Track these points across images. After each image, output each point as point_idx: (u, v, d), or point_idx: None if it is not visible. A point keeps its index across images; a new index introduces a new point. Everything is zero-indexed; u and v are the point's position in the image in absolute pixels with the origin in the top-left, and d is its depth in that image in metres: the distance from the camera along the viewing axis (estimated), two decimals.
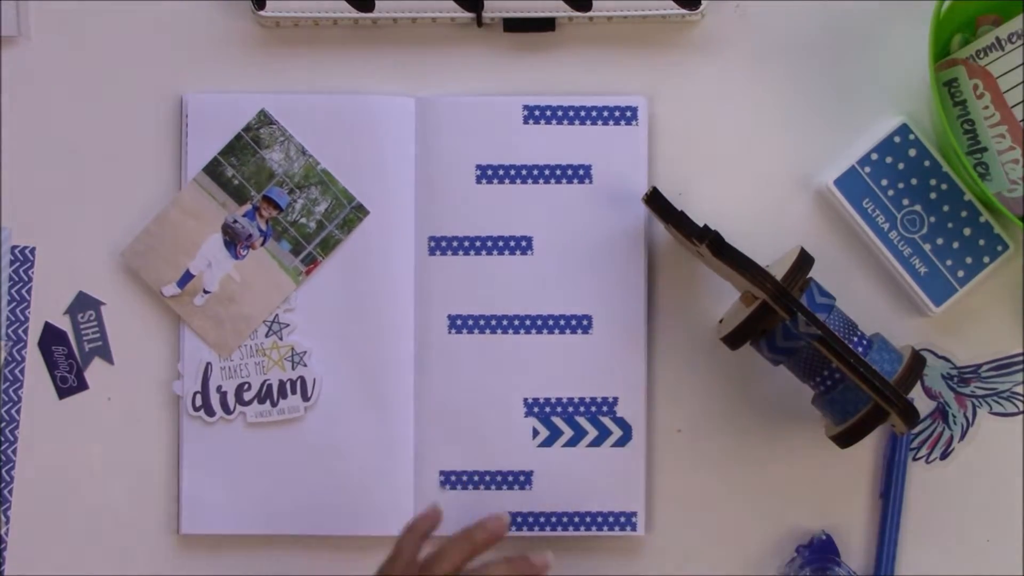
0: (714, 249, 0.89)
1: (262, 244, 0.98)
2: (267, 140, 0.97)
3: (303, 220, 0.98)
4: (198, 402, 0.98)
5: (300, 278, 0.98)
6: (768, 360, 0.93)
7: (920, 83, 0.98)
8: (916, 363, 0.92)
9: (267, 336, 0.98)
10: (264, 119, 0.97)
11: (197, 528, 0.98)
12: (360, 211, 0.98)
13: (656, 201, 0.92)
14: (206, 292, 0.98)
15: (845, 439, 0.91)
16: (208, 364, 0.98)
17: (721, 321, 0.97)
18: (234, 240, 0.98)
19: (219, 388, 0.98)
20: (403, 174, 0.98)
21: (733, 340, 0.91)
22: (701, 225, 0.90)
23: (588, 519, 0.98)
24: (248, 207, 0.98)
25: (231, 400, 0.98)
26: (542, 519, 0.98)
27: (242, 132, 0.97)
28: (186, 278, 0.98)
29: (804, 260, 0.91)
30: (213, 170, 0.97)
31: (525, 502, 0.98)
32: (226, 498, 0.98)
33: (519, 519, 0.98)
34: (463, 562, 0.90)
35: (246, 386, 0.98)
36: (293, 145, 0.97)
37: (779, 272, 0.90)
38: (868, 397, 0.89)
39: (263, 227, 0.98)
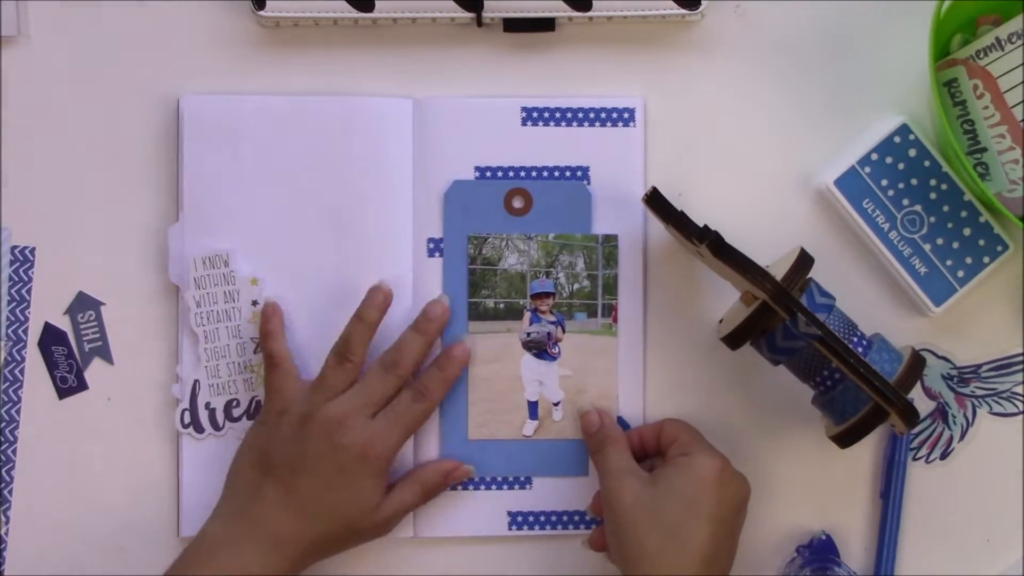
0: (714, 249, 0.89)
1: (563, 332, 0.98)
2: (495, 254, 0.97)
3: (577, 286, 0.98)
4: (187, 419, 0.98)
5: (613, 328, 0.98)
6: (768, 360, 0.93)
7: (920, 83, 0.98)
8: (916, 363, 0.92)
9: (255, 352, 0.98)
10: (477, 242, 0.97)
11: (197, 530, 0.98)
12: (610, 240, 0.98)
13: (656, 201, 0.92)
14: (556, 404, 0.98)
15: (845, 439, 0.91)
16: (196, 381, 0.98)
17: (721, 321, 0.97)
18: (541, 348, 0.97)
19: (208, 405, 0.98)
20: (402, 175, 0.98)
21: (733, 340, 0.91)
22: (701, 225, 0.90)
23: (588, 518, 0.98)
24: (528, 315, 0.98)
25: (220, 417, 0.98)
26: (542, 518, 0.98)
27: (471, 267, 0.97)
28: (532, 408, 0.98)
29: (804, 260, 0.91)
30: (476, 312, 0.97)
31: (525, 502, 0.98)
32: None
33: (519, 519, 0.98)
34: (423, 355, 0.95)
35: (235, 403, 0.98)
36: (517, 241, 0.97)
37: (779, 272, 0.90)
38: (868, 397, 0.89)
39: (552, 319, 0.98)
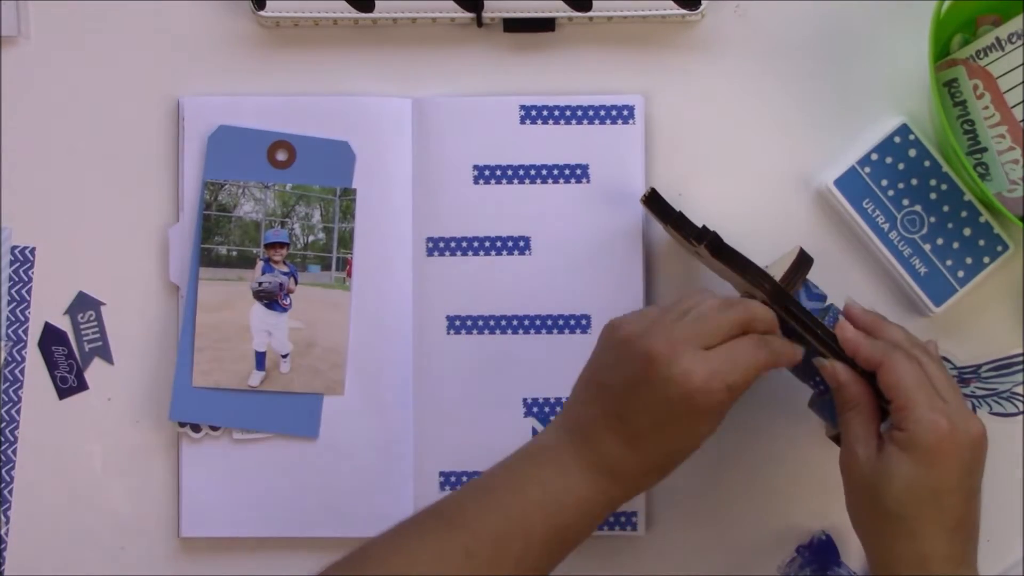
0: (712, 250, 0.89)
1: (296, 283, 0.98)
2: (230, 200, 0.97)
3: (312, 238, 0.98)
4: None
5: (347, 283, 0.98)
6: None
7: (920, 83, 0.98)
8: None
9: None
10: (213, 187, 0.97)
11: (197, 531, 0.98)
12: (348, 193, 0.97)
13: (655, 202, 0.92)
14: (284, 357, 0.97)
15: None
16: None
17: None
18: (272, 298, 0.97)
19: None
20: (400, 175, 0.98)
21: None
22: (700, 226, 0.90)
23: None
24: (260, 264, 0.97)
25: None
26: None
27: (206, 213, 0.97)
28: (260, 359, 0.97)
29: (803, 260, 0.91)
30: (208, 259, 0.97)
31: None
32: (226, 501, 0.98)
33: None
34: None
35: None
36: (253, 189, 0.97)
37: (778, 272, 0.90)
38: None
39: (285, 270, 0.97)
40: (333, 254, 0.98)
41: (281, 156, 0.98)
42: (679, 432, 0.83)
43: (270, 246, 0.98)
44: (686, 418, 0.83)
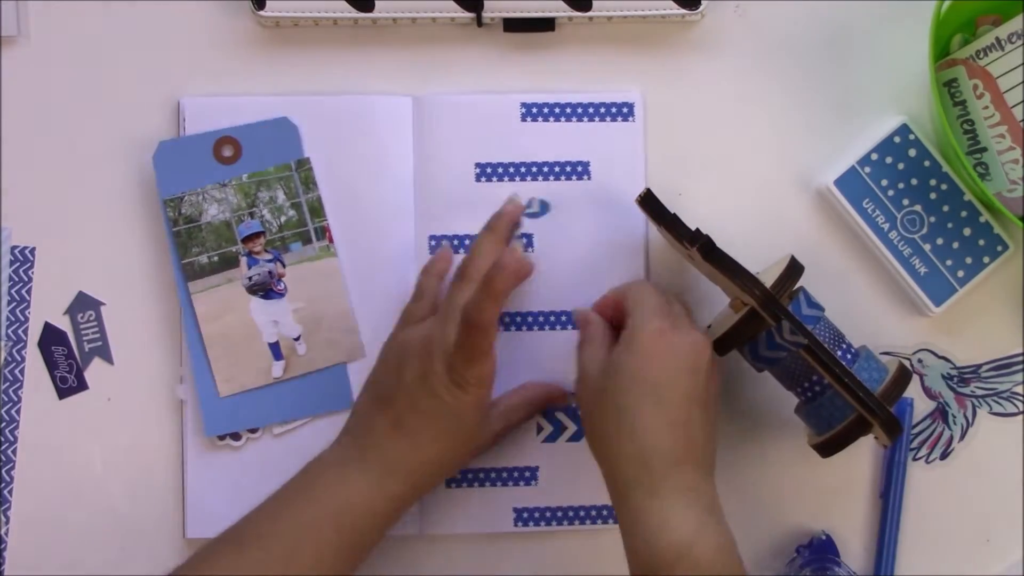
0: (704, 253, 0.88)
1: (283, 266, 0.98)
2: (194, 210, 0.97)
3: (283, 218, 0.98)
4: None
5: (332, 248, 0.98)
6: (753, 367, 0.92)
7: (920, 83, 0.98)
8: (902, 376, 0.91)
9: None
10: (173, 203, 0.97)
11: (202, 532, 0.97)
12: (303, 164, 0.97)
13: (649, 203, 0.92)
14: (297, 339, 0.97)
15: (827, 449, 0.90)
16: None
17: (709, 327, 0.96)
18: (265, 288, 0.97)
19: None
20: (402, 173, 0.98)
21: (721, 346, 0.90)
22: (693, 228, 0.90)
23: (594, 512, 0.98)
24: (244, 260, 0.97)
25: None
26: (548, 514, 0.98)
27: (175, 230, 0.97)
28: (275, 350, 0.97)
29: (794, 268, 0.90)
30: (192, 271, 0.97)
31: (531, 497, 0.98)
32: (231, 501, 0.97)
33: (525, 514, 0.98)
34: (496, 256, 0.90)
35: None
36: (212, 192, 0.97)
37: (769, 279, 0.89)
38: (851, 408, 0.89)
39: (269, 257, 0.97)
40: (309, 226, 0.98)
41: (227, 152, 0.97)
42: (448, 418, 0.90)
43: (247, 239, 0.98)
44: (453, 415, 0.90)
